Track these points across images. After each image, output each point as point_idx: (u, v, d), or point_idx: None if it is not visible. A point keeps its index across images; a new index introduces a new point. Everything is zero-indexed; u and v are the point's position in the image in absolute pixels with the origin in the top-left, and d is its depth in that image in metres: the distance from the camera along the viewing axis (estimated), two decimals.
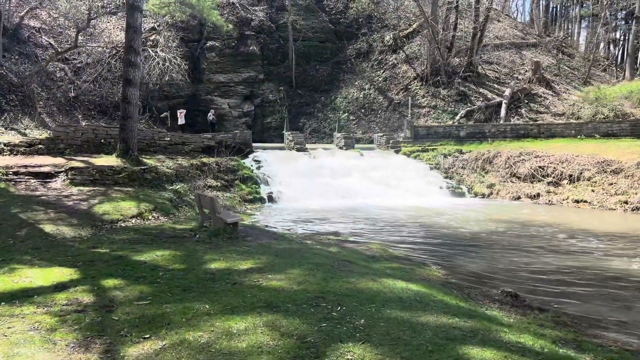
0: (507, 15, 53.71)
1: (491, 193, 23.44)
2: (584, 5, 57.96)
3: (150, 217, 12.69)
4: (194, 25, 37.89)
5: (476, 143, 28.15)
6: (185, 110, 31.89)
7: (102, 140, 19.98)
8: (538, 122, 29.91)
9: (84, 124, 26.70)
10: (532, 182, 22.86)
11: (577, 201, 20.37)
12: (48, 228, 10.26)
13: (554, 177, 22.32)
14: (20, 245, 8.99)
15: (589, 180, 21.15)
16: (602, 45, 52.68)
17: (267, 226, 14.30)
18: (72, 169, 15.28)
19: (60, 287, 6.57)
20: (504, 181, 23.71)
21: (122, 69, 17.90)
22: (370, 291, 6.12)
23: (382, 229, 14.13)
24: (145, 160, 18.17)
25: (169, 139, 21.71)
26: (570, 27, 59.31)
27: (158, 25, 36.09)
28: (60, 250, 8.78)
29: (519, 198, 22.26)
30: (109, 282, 6.75)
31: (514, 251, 11.05)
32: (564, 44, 46.49)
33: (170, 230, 11.16)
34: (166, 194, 15.40)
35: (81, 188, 14.53)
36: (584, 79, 38.25)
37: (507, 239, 12.58)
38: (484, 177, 24.53)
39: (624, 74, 41.34)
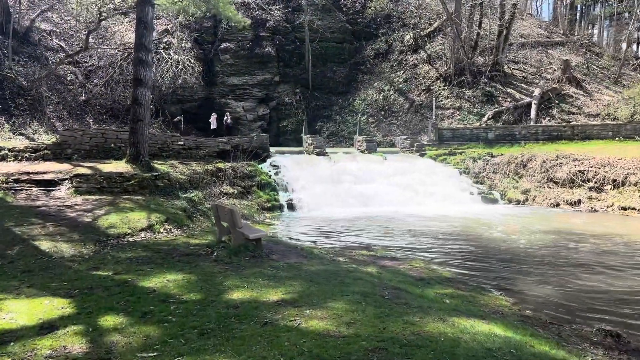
0: (529, 14, 51.96)
1: (526, 199, 21.81)
2: (609, 3, 56.02)
3: (161, 230, 11.34)
4: (207, 26, 36.82)
5: (507, 146, 26.53)
6: (216, 115, 30.77)
7: (112, 145, 18.79)
8: (572, 123, 28.19)
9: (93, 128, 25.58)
10: (571, 188, 21.20)
11: (624, 208, 18.68)
12: (44, 245, 8.95)
13: (595, 182, 20.64)
14: (8, 268, 7.68)
15: (635, 186, 19.44)
16: (624, 44, 50.67)
17: (290, 238, 12.90)
18: (77, 176, 14.02)
19: (47, 327, 5.21)
20: (540, 186, 22.07)
21: (132, 68, 16.67)
22: (446, 338, 4.67)
23: (418, 242, 12.65)
24: (156, 165, 16.90)
25: (182, 143, 20.44)
26: (591, 26, 57.31)
27: (171, 27, 35.10)
28: (56, 274, 7.45)
29: (557, 205, 20.61)
30: (109, 320, 5.38)
31: (586, 270, 9.45)
32: (590, 43, 44.60)
33: (183, 245, 9.80)
34: (179, 202, 14.07)
35: (87, 197, 13.26)
36: (614, 79, 36.40)
37: (572, 255, 10.95)
38: (517, 182, 22.91)
39: None
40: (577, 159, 22.15)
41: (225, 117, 29.36)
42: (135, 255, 8.80)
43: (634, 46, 53.74)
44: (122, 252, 9.13)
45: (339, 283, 6.81)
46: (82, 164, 16.32)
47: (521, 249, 11.64)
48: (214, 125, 29.28)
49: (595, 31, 57.81)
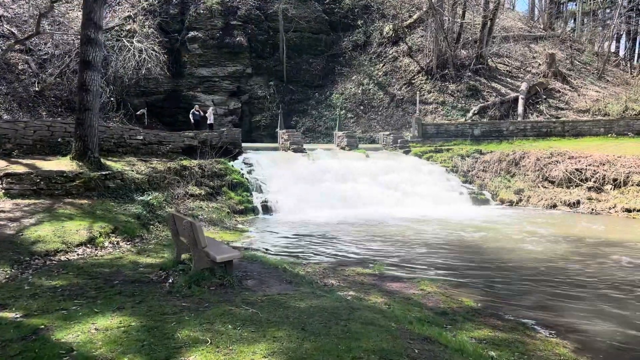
0: (508, 7, 50.86)
1: (520, 200, 20.22)
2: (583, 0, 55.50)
3: (106, 244, 9.08)
4: (174, 13, 34.21)
5: (495, 142, 24.96)
6: (214, 108, 28.23)
7: (60, 139, 16.30)
8: (562, 119, 26.84)
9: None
10: (568, 188, 19.70)
11: (628, 210, 17.18)
12: None
13: (595, 182, 19.17)
14: None
15: (639, 186, 18.02)
16: (600, 40, 50.10)
17: (267, 250, 10.83)
18: (8, 175, 11.60)
19: None
20: (535, 186, 20.52)
21: (79, 49, 14.25)
22: None
23: (417, 253, 10.75)
24: (109, 163, 14.55)
25: (141, 137, 18.05)
26: (564, 23, 56.72)
27: (134, 14, 32.39)
28: None
29: (554, 206, 19.07)
30: None
31: None
32: (571, 38, 43.70)
33: (130, 267, 7.59)
34: (134, 207, 11.78)
35: (19, 201, 10.89)
36: (598, 74, 35.38)
37: (612, 272, 9.06)
38: (509, 181, 21.30)
39: None
40: (573, 156, 20.68)
41: (192, 112, 26.86)
42: (62, 284, 6.58)
43: (614, 43, 53.26)
44: (46, 277, 6.89)
45: (343, 332, 4.77)
46: (21, 161, 13.84)
47: (544, 263, 9.80)
48: (211, 120, 26.51)
49: (569, 27, 57.28)
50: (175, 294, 6.06)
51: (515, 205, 19.98)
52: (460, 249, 11.24)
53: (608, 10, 57.43)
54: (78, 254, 8.27)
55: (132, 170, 14.46)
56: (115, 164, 14.80)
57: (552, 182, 20.29)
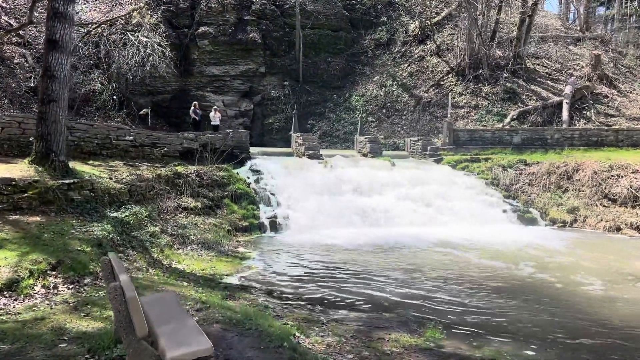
0: (540, 8, 47.62)
1: (575, 220, 17.11)
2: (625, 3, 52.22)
3: (36, 289, 6.25)
4: (184, 8, 31.67)
5: (540, 152, 21.82)
6: (218, 108, 25.67)
7: (32, 139, 13.69)
8: (614, 127, 23.62)
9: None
10: (633, 207, 16.54)
11: None
12: None
13: None
14: None
15: None
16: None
17: (270, 293, 7.96)
18: None
19: None
20: (592, 204, 17.37)
21: (45, 25, 11.57)
22: None
23: (478, 303, 7.81)
24: (85, 168, 11.86)
25: (131, 138, 15.33)
26: (602, 26, 53.43)
27: (140, 8, 29.97)
28: None
29: (618, 229, 15.93)
30: None
31: None
32: (611, 41, 40.32)
33: (47, 340, 4.75)
34: (98, 229, 8.94)
35: None
36: None
37: None
38: (561, 197, 18.17)
39: None
40: (637, 170, 17.53)
41: (192, 111, 24.06)
42: None
43: None
44: None
45: None
46: None
47: None
48: (215, 122, 23.60)
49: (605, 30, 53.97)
50: None
51: (569, 227, 16.88)
52: (538, 296, 8.24)
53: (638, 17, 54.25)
54: None
55: (110, 178, 11.71)
56: (92, 170, 12.10)
57: (613, 200, 17.15)
